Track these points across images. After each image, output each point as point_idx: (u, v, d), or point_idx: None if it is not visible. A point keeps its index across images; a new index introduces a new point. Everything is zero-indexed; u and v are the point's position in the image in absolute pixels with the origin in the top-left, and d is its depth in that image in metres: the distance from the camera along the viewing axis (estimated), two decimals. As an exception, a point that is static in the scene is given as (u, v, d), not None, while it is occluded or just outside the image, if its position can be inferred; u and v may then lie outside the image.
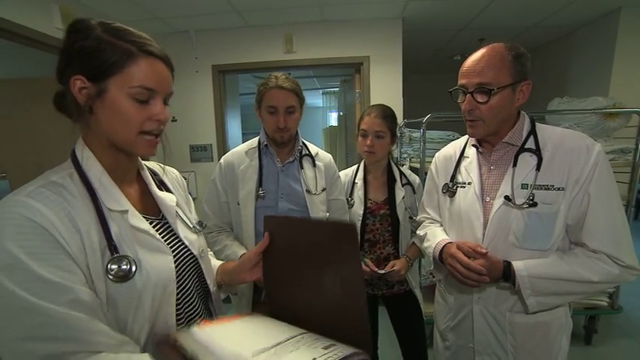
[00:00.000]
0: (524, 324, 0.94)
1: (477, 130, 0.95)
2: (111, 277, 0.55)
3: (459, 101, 0.96)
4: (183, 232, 0.72)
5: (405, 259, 1.38)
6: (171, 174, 0.83)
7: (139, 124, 0.59)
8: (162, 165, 0.83)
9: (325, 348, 0.50)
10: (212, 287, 0.77)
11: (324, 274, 0.64)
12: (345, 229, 0.62)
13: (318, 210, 1.29)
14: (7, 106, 2.42)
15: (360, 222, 1.42)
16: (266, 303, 0.75)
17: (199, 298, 0.74)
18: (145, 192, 0.71)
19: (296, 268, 0.70)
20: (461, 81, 0.92)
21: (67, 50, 0.57)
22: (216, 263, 0.88)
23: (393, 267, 1.33)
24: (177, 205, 0.75)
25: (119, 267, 0.55)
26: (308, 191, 1.27)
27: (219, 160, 1.40)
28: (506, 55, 0.86)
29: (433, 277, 1.87)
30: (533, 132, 0.93)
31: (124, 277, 0.56)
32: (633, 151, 1.99)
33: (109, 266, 0.55)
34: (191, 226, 0.76)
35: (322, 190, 1.31)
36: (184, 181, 0.88)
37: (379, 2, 2.38)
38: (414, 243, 1.41)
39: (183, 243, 0.71)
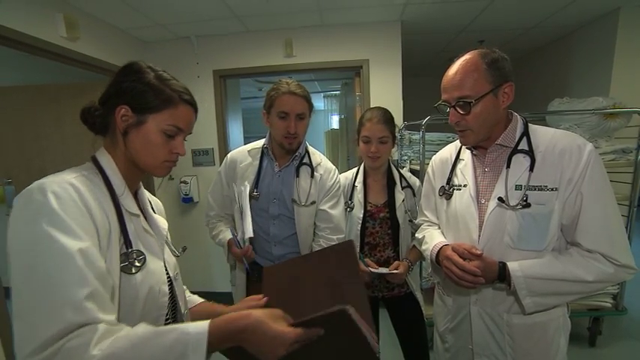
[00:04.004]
0: (521, 325, 0.94)
1: (468, 139, 0.97)
2: (123, 267, 0.63)
3: (445, 115, 0.98)
4: (167, 254, 0.78)
5: (406, 263, 1.37)
6: (157, 205, 0.88)
7: (165, 155, 0.71)
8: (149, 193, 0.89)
9: None
10: (183, 309, 0.80)
11: (331, 298, 0.67)
12: (344, 246, 0.65)
13: (306, 223, 1.30)
14: (13, 112, 2.47)
15: (359, 225, 1.41)
16: (259, 280, 0.77)
17: (172, 318, 0.77)
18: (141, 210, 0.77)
19: (301, 304, 0.73)
20: (443, 96, 0.95)
21: (118, 84, 0.69)
22: (192, 298, 0.90)
23: (396, 267, 1.33)
24: (167, 230, 0.82)
25: (131, 259, 0.64)
26: (294, 200, 1.28)
27: (220, 164, 1.42)
28: (480, 64, 0.88)
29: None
30: (526, 133, 0.94)
31: (131, 269, 0.64)
32: (635, 150, 1.99)
33: (122, 258, 0.63)
34: (173, 249, 0.83)
35: (311, 204, 1.30)
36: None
37: (378, 6, 2.40)
38: (414, 246, 1.40)
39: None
